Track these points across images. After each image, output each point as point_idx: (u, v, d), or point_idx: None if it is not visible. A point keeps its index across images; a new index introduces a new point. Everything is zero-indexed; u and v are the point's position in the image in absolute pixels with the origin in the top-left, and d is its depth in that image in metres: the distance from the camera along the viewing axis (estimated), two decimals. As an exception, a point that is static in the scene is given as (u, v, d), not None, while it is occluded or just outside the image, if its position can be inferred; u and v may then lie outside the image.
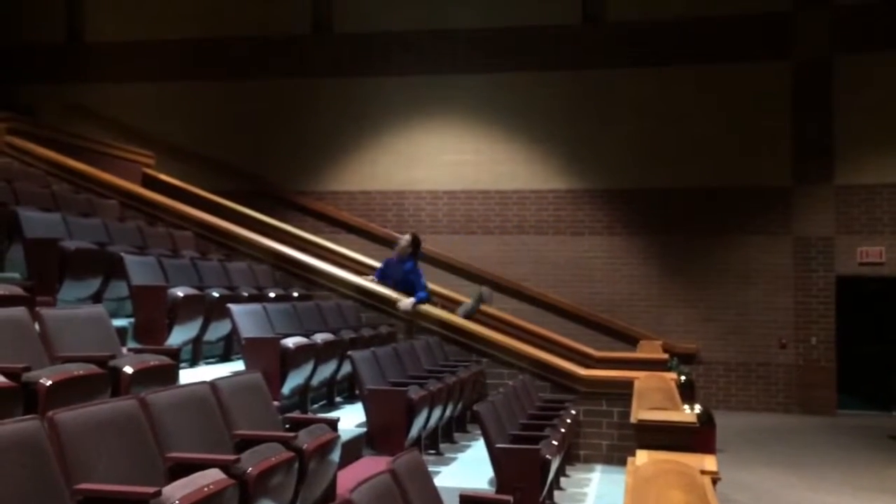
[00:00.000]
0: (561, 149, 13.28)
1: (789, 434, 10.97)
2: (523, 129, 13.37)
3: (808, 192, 12.59)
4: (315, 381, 5.84)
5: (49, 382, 3.31)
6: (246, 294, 6.73)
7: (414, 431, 5.37)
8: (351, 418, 5.62)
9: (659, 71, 12.95)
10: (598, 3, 13.24)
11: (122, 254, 6.01)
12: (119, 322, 5.68)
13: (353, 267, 9.85)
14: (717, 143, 12.75)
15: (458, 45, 13.48)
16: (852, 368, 12.47)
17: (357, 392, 6.02)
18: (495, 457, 4.79)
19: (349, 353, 5.78)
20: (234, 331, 5.78)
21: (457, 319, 8.00)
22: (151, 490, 2.55)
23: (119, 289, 6.06)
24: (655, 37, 13.00)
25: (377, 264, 10.72)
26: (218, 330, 6.28)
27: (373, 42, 13.75)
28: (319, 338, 5.85)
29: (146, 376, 3.91)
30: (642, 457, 3.70)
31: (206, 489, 2.73)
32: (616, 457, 6.63)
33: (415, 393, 5.37)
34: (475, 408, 5.01)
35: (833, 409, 12.25)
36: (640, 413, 4.78)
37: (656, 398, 5.57)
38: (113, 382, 3.76)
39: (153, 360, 4.11)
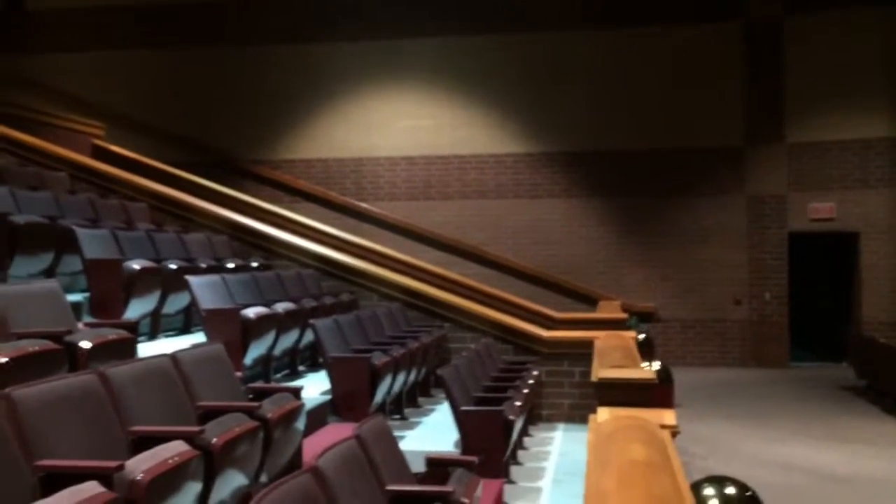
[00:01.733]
0: (518, 112, 13.28)
1: (744, 387, 11.28)
2: (480, 94, 13.32)
3: (760, 152, 12.81)
4: (277, 351, 5.82)
5: (4, 360, 3.24)
6: (204, 265, 6.65)
7: (378, 397, 5.40)
8: (315, 386, 5.63)
9: (614, 33, 12.97)
10: (553, -35, 13.17)
11: (74, 227, 5.88)
12: (74, 297, 5.57)
13: (314, 236, 9.78)
14: (671, 104, 12.86)
15: (410, 10, 13.30)
16: (804, 322, 12.84)
17: (320, 360, 6.02)
18: (460, 419, 4.85)
19: (311, 321, 5.76)
20: (194, 303, 5.72)
21: (419, 285, 8.01)
22: (114, 464, 2.53)
23: (72, 263, 5.93)
24: (609, -1, 13.00)
25: (338, 232, 10.69)
26: (176, 302, 6.20)
27: (325, 8, 13.50)
28: (281, 307, 5.82)
29: (104, 351, 3.85)
30: (603, 414, 3.77)
31: (170, 461, 2.72)
32: (578, 415, 6.75)
33: (378, 359, 5.39)
34: (439, 372, 5.05)
35: (786, 361, 12.62)
36: (601, 371, 4.87)
37: (616, 357, 5.67)
38: (70, 358, 3.70)
39: (111, 334, 4.04)
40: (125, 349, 4.12)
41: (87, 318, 5.43)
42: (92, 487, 2.40)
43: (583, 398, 6.84)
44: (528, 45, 13.14)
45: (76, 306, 5.29)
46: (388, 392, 5.64)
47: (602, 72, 13.00)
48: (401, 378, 5.83)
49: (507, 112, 13.32)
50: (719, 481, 4.51)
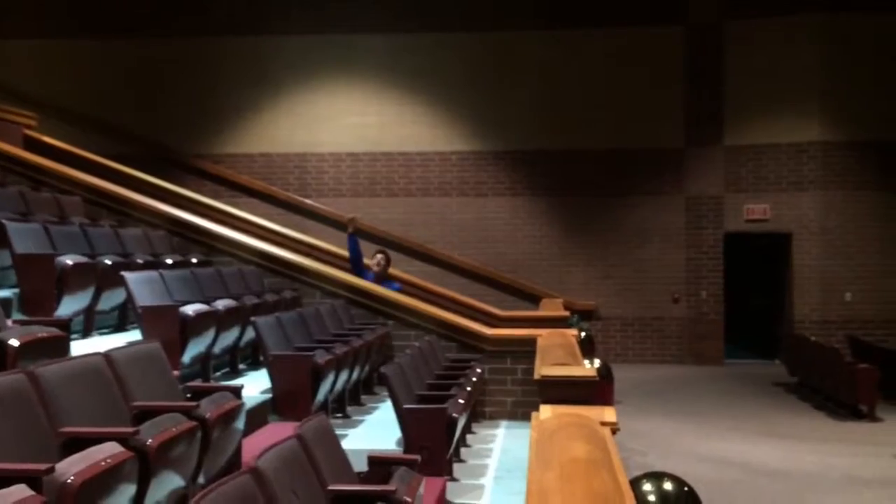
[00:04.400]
0: (464, 111, 13.31)
1: (682, 384, 11.54)
2: (427, 91, 13.31)
3: (699, 154, 13.10)
4: (217, 349, 5.70)
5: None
6: (141, 261, 6.48)
7: (320, 396, 5.34)
8: (255, 385, 5.54)
9: (559, 34, 13.11)
10: (499, -35, 13.23)
11: (3, 221, 5.66)
12: (3, 293, 5.37)
13: (255, 231, 9.63)
14: (615, 105, 13.06)
15: (359, 4, 13.20)
16: (739, 320, 13.19)
17: (261, 358, 5.93)
18: (402, 417, 4.83)
19: (252, 318, 5.66)
20: (130, 299, 5.57)
21: (363, 282, 7.96)
22: (44, 466, 2.44)
23: (1, 258, 5.71)
24: (555, 0, 13.11)
25: (281, 228, 10.54)
26: (111, 299, 6.03)
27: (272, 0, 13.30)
28: (221, 304, 5.71)
29: (34, 349, 3.71)
30: (545, 411, 3.80)
31: (102, 463, 2.63)
32: (521, 412, 6.80)
33: (320, 357, 5.33)
34: (382, 370, 5.02)
35: (721, 359, 12.95)
36: (543, 369, 4.91)
37: (558, 354, 5.72)
38: (-2, 357, 3.56)
39: (41, 331, 3.91)
40: (57, 348, 3.98)
41: (18, 316, 5.23)
42: (20, 491, 2.30)
43: (525, 395, 6.88)
44: (475, 43, 13.18)
45: (5, 303, 5.10)
46: (331, 390, 5.58)
47: (548, 72, 13.12)
48: (343, 376, 5.77)
49: (453, 110, 13.34)
50: (657, 477, 4.60)
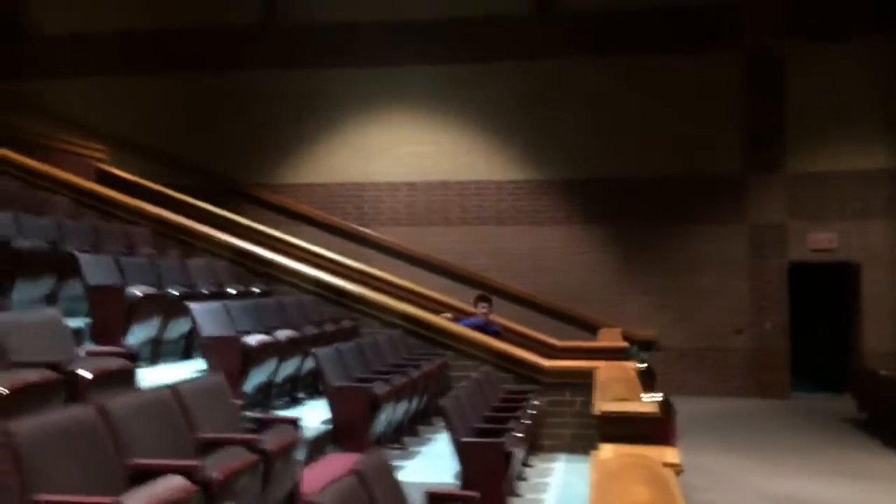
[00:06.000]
0: (518, 139, 13.33)
1: (745, 418, 11.21)
2: (481, 120, 13.39)
3: (760, 181, 12.83)
4: (278, 378, 5.79)
5: (3, 391, 3.22)
6: (205, 291, 6.64)
7: (378, 427, 5.36)
8: (315, 414, 5.59)
9: (613, 61, 13.05)
10: (551, -7, 13.28)
11: (76, 253, 5.88)
12: (75, 322, 5.56)
13: (314, 260, 9.77)
14: (672, 132, 12.92)
15: (410, 37, 13.40)
16: (805, 352, 12.79)
17: (321, 388, 5.99)
18: (460, 450, 4.81)
19: (313, 350, 5.73)
20: (195, 329, 5.70)
21: (420, 312, 7.99)
22: (109, 500, 2.50)
23: (74, 288, 5.92)
24: (608, 27, 13.09)
25: (339, 257, 10.67)
26: (177, 328, 6.19)
27: (325, 34, 13.60)
28: (282, 335, 5.80)
29: (104, 380, 3.83)
30: (606, 451, 3.74)
31: (169, 497, 2.69)
32: (579, 446, 6.69)
33: (379, 389, 5.36)
34: (440, 402, 5.02)
35: (787, 392, 12.55)
36: (603, 405, 4.84)
37: (617, 388, 5.65)
38: (71, 387, 3.68)
39: (111, 363, 4.03)
40: (125, 377, 4.10)
41: (89, 344, 5.40)
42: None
43: (584, 428, 6.78)
44: (526, 72, 13.22)
45: (77, 332, 5.27)
46: (389, 422, 5.60)
47: (603, 99, 13.06)
48: (401, 407, 5.79)
49: (507, 139, 13.38)
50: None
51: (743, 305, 12.78)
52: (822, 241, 12.66)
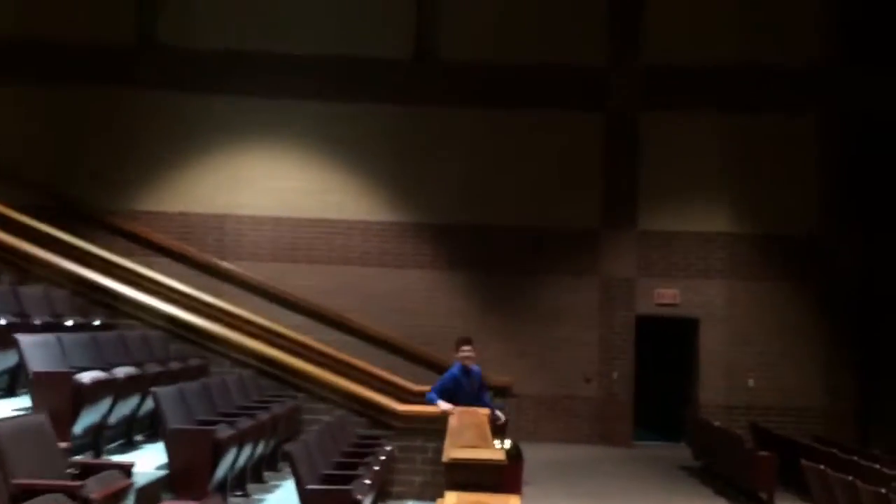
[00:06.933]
0: (389, 181, 13.40)
1: (590, 465, 11.57)
2: (352, 160, 13.36)
3: (613, 236, 13.50)
4: (113, 420, 5.43)
5: None
6: (38, 322, 6.18)
7: (220, 473, 5.13)
8: (151, 459, 5.28)
9: (485, 112, 13.42)
10: (431, 42, 13.56)
11: None
12: None
13: (166, 294, 9.32)
14: (536, 185, 13.39)
15: (289, 71, 13.25)
16: (647, 402, 13.41)
17: (160, 430, 5.67)
18: (305, 499, 4.68)
19: (152, 388, 5.44)
20: (22, 363, 5.28)
21: (274, 351, 7.78)
22: None
23: None
24: (484, 79, 13.47)
25: (192, 291, 10.22)
26: (3, 361, 5.70)
27: (205, 59, 13.17)
28: (120, 372, 5.47)
29: None
30: (451, 498, 3.74)
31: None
32: (429, 493, 6.66)
33: (222, 432, 5.14)
34: (286, 448, 4.88)
35: (630, 440, 13.09)
36: (451, 451, 4.85)
37: (469, 435, 5.68)
38: None
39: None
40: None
41: None
42: None
43: (435, 476, 6.76)
44: (401, 116, 13.36)
45: None
46: (232, 467, 5.37)
47: (473, 148, 13.38)
48: (246, 452, 5.57)
49: (378, 180, 13.41)
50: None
51: (593, 355, 13.29)
52: (666, 296, 13.42)
